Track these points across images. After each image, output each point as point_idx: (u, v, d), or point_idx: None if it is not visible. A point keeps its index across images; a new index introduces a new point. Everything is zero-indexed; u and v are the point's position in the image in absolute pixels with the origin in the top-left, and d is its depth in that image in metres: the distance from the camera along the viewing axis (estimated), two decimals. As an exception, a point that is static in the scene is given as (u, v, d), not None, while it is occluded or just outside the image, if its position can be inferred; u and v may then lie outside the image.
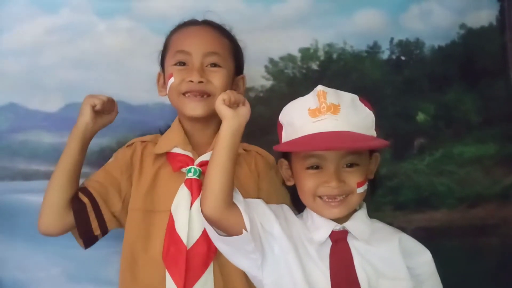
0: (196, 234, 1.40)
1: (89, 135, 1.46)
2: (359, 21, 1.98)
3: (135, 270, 1.44)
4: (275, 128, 1.38)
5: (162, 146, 1.50)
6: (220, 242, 1.30)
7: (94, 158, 1.65)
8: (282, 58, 1.97)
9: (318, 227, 1.31)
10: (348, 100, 1.30)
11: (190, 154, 1.47)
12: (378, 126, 1.33)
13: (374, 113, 1.33)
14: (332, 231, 1.30)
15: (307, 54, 1.97)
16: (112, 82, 1.87)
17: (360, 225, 1.32)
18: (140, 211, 1.46)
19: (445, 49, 2.03)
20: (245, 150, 1.52)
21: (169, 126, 1.55)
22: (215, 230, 1.29)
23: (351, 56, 1.99)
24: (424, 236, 1.75)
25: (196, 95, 1.47)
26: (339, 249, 1.30)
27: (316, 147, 1.26)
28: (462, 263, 2.02)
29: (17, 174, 1.89)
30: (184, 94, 1.48)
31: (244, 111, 1.32)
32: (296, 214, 1.37)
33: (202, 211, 1.29)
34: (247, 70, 1.61)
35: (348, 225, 1.31)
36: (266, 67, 1.96)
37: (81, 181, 1.48)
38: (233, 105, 1.32)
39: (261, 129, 1.68)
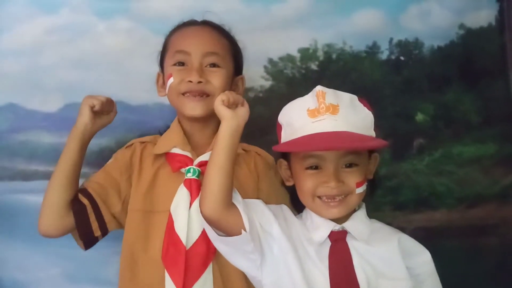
0: (195, 235, 1.40)
1: (88, 136, 1.46)
2: (358, 21, 1.98)
3: (135, 271, 1.44)
4: (274, 128, 1.38)
5: (161, 147, 1.50)
6: (219, 242, 1.30)
7: (93, 159, 1.65)
8: (281, 59, 1.97)
9: (317, 227, 1.31)
10: (347, 100, 1.30)
11: (189, 154, 1.47)
12: (377, 126, 1.33)
13: (373, 113, 1.33)
14: (331, 231, 1.30)
15: (306, 54, 1.97)
16: (112, 82, 1.87)
17: (359, 225, 1.32)
18: (140, 211, 1.46)
19: (444, 49, 2.03)
20: (244, 150, 1.52)
21: (168, 127, 1.55)
22: (214, 231, 1.29)
23: (350, 56, 1.99)
24: (424, 236, 1.75)
25: (195, 95, 1.47)
26: (338, 249, 1.30)
27: (315, 147, 1.26)
28: (461, 263, 2.02)
29: (17, 174, 1.89)
30: (183, 94, 1.48)
31: (243, 112, 1.33)
32: (295, 215, 1.37)
33: (201, 211, 1.29)
34: (246, 70, 1.61)
35: (347, 225, 1.31)
36: (265, 67, 1.96)
37: (81, 181, 1.48)
38: (232, 105, 1.32)
39: (261, 129, 1.68)
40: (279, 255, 1.29)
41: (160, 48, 1.58)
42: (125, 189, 1.48)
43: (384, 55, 2.02)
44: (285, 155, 1.37)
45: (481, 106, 2.04)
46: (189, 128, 1.52)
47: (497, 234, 2.05)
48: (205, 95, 1.47)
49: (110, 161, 1.53)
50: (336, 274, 1.27)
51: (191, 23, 1.56)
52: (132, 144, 1.54)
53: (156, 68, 1.59)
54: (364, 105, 1.32)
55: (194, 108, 1.47)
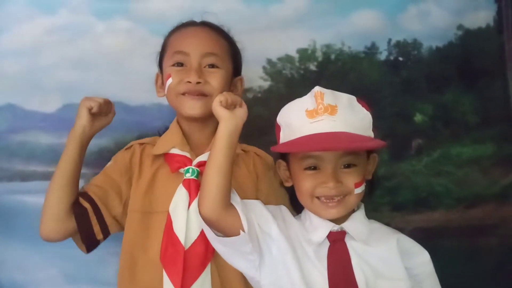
0: (194, 235, 1.40)
1: (87, 138, 1.46)
2: (357, 22, 1.98)
3: (134, 271, 1.44)
4: (273, 128, 1.38)
5: (160, 147, 1.50)
6: (217, 242, 1.30)
7: (93, 159, 1.65)
8: (280, 59, 1.97)
9: (316, 228, 1.31)
10: (345, 101, 1.30)
11: (188, 155, 1.47)
12: (376, 126, 1.33)
13: (371, 113, 1.33)
14: (330, 232, 1.30)
15: (305, 55, 1.97)
16: (111, 82, 1.87)
17: (358, 225, 1.32)
18: (139, 212, 1.46)
19: (443, 50, 2.03)
20: (243, 151, 1.52)
21: (167, 128, 1.55)
22: (212, 231, 1.29)
23: (349, 57, 1.99)
24: (422, 236, 1.74)
25: (194, 95, 1.47)
26: (337, 250, 1.30)
27: (313, 147, 1.26)
28: (460, 264, 2.02)
29: (15, 175, 1.89)
30: (182, 94, 1.48)
31: (241, 113, 1.33)
32: (294, 215, 1.37)
33: (199, 212, 1.29)
34: (245, 70, 1.61)
35: (346, 225, 1.31)
36: (264, 67, 1.96)
37: (80, 181, 1.48)
38: (230, 106, 1.32)
39: (259, 129, 1.68)
40: (277, 256, 1.29)
41: (159, 48, 1.58)
42: (126, 191, 1.48)
43: (382, 56, 2.02)
44: (284, 156, 1.37)
45: (480, 107, 2.04)
46: (188, 128, 1.52)
47: (496, 234, 2.05)
48: (203, 95, 1.47)
49: (109, 163, 1.53)
50: (334, 274, 1.27)
51: (190, 24, 1.56)
52: (131, 146, 1.54)
53: (155, 69, 1.59)
54: (363, 106, 1.32)
55: (193, 107, 1.47)
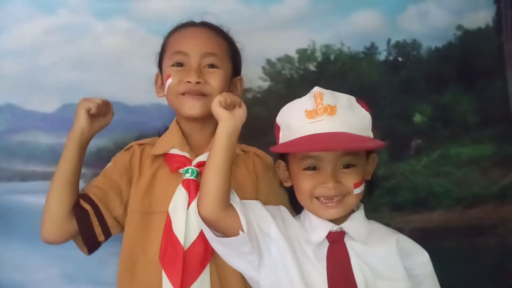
0: (193, 235, 1.40)
1: (86, 139, 1.46)
2: (356, 22, 1.98)
3: (134, 271, 1.44)
4: (272, 129, 1.38)
5: (160, 147, 1.50)
6: (216, 243, 1.30)
7: (92, 159, 1.65)
8: (279, 59, 1.97)
9: (316, 228, 1.31)
10: (345, 101, 1.30)
11: (187, 155, 1.47)
12: (375, 127, 1.34)
13: (371, 114, 1.33)
14: (329, 232, 1.30)
15: (305, 55, 1.98)
16: (110, 83, 1.87)
17: (357, 226, 1.32)
18: (138, 212, 1.46)
19: (442, 50, 2.03)
20: (243, 151, 1.52)
21: (166, 128, 1.55)
22: (212, 231, 1.29)
23: (348, 57, 2.00)
24: (422, 236, 1.75)
25: (194, 95, 1.47)
26: (336, 250, 1.30)
27: (312, 148, 1.26)
28: (459, 264, 2.02)
29: (15, 175, 1.89)
30: (182, 94, 1.48)
31: (240, 113, 1.33)
32: (294, 216, 1.37)
33: (198, 212, 1.29)
34: (245, 71, 1.61)
35: (346, 226, 1.31)
36: (263, 68, 1.96)
37: (80, 182, 1.48)
38: (229, 107, 1.32)
39: (259, 130, 1.68)
40: (277, 256, 1.29)
41: (159, 49, 1.58)
42: (126, 192, 1.48)
43: (382, 56, 2.02)
44: (283, 156, 1.37)
45: (479, 107, 2.04)
46: (188, 128, 1.52)
47: (495, 234, 2.05)
48: (203, 95, 1.47)
49: (109, 164, 1.53)
50: (334, 274, 1.27)
51: (190, 24, 1.56)
52: (131, 146, 1.54)
53: (155, 69, 1.59)
54: (362, 106, 1.33)
55: (192, 107, 1.47)
